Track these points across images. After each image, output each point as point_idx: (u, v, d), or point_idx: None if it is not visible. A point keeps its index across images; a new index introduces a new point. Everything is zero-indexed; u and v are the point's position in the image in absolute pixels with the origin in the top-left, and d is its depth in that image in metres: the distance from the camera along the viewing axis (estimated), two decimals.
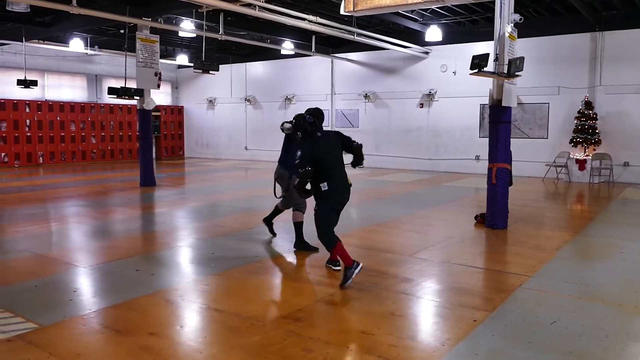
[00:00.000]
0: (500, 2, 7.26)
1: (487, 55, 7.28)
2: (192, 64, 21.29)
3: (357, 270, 5.08)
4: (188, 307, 4.55)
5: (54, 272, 5.60)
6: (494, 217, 7.83)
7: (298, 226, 6.48)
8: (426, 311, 4.42)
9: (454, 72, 16.44)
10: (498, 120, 7.75)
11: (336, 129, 12.48)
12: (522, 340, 3.83)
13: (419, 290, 5.02)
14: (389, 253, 6.41)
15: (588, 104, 13.93)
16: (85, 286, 5.13)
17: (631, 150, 13.80)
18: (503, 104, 7.60)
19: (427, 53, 16.85)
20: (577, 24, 13.89)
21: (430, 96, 16.94)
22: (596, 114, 13.91)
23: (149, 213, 9.73)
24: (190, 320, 4.28)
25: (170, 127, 23.36)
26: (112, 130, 20.83)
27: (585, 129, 13.87)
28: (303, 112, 5.63)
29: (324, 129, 6.55)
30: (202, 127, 23.46)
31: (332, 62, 19.04)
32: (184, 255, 6.35)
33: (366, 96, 18.17)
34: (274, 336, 3.90)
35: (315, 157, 5.24)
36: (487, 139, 16.08)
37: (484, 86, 15.38)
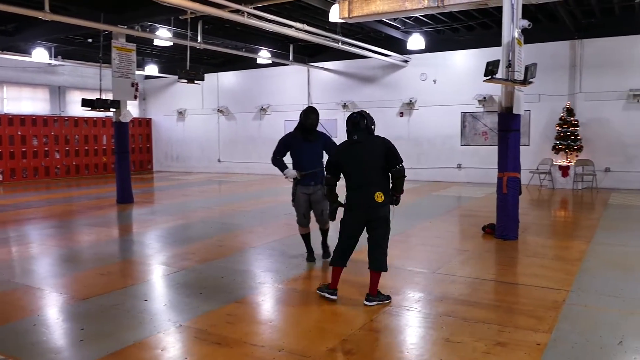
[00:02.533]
0: (512, 7, 7.05)
1: (498, 61, 7.06)
2: (161, 75, 20.65)
3: (328, 296, 4.90)
4: (220, 342, 4.01)
5: (51, 307, 4.97)
6: (505, 228, 7.58)
7: (323, 233, 6.43)
8: (483, 336, 4.05)
9: (434, 81, 16.34)
10: (508, 128, 7.51)
11: None
12: None
13: (462, 311, 4.65)
14: (409, 270, 6.05)
15: (569, 111, 14.02)
16: (92, 323, 4.45)
17: (612, 156, 13.95)
18: (514, 112, 7.38)
19: (406, 61, 16.71)
20: (557, 32, 14.00)
21: (410, 105, 16.77)
22: (577, 121, 14.02)
23: (135, 233, 9.05)
24: (231, 358, 3.76)
25: (138, 140, 22.44)
26: (77, 145, 19.81)
27: (567, 135, 13.94)
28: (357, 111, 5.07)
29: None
30: (171, 139, 22.65)
31: (308, 71, 18.68)
32: (192, 281, 5.74)
33: (344, 105, 17.85)
34: None
35: (336, 163, 4.91)
36: (468, 147, 16.51)
37: (464, 95, 15.60)
